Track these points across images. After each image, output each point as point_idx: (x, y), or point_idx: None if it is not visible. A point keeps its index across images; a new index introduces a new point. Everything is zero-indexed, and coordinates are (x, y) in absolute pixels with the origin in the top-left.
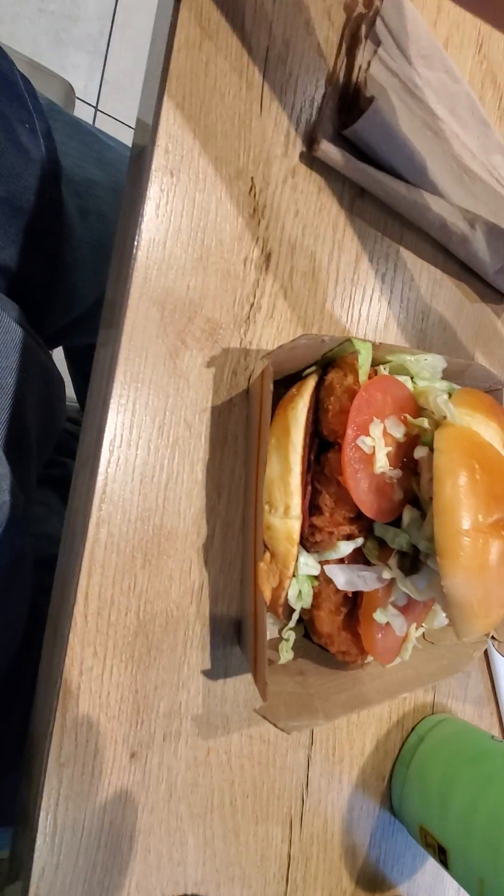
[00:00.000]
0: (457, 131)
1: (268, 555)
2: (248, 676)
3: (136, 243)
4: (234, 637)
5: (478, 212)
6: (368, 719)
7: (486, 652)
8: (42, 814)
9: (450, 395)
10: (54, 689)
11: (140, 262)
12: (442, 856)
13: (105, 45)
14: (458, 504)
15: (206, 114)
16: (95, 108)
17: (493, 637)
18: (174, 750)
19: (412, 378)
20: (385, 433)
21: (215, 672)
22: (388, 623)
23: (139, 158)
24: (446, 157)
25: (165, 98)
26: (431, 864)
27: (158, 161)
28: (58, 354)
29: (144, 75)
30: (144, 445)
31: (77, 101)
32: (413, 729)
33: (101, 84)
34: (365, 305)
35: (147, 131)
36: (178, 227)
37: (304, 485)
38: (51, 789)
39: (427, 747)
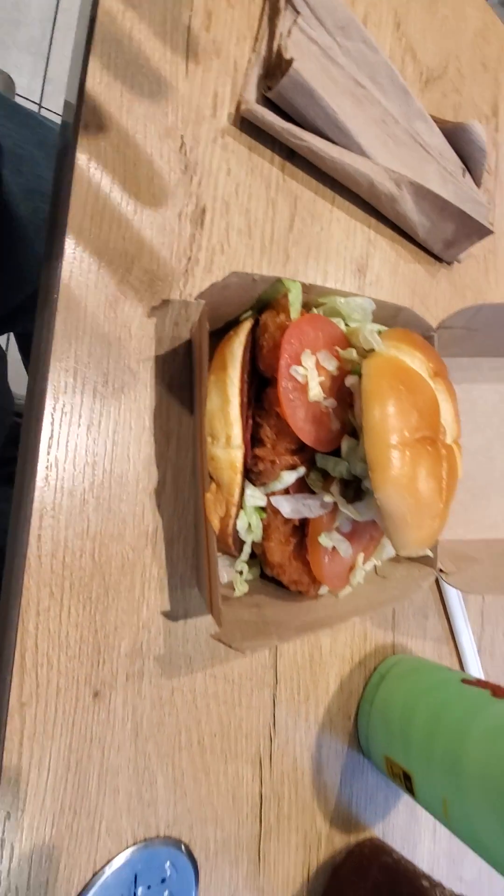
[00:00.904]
0: (378, 97)
1: (213, 485)
2: (209, 619)
3: (69, 192)
4: (191, 579)
5: (403, 173)
6: (331, 659)
7: (441, 594)
8: (6, 755)
9: (379, 333)
10: (12, 630)
11: (74, 211)
12: (407, 783)
13: (47, 45)
14: (386, 421)
15: (133, 75)
16: (39, 104)
17: (440, 570)
18: (138, 689)
19: (344, 320)
20: (318, 365)
21: (175, 613)
22: (334, 548)
23: (70, 119)
24: (370, 121)
25: (91, 59)
26: (405, 805)
27: (87, 117)
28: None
29: (73, 48)
30: (90, 392)
31: (21, 98)
32: (375, 669)
33: (43, 83)
34: (302, 262)
35: (75, 95)
36: (110, 180)
37: (245, 418)
38: (13, 729)
39: (389, 684)
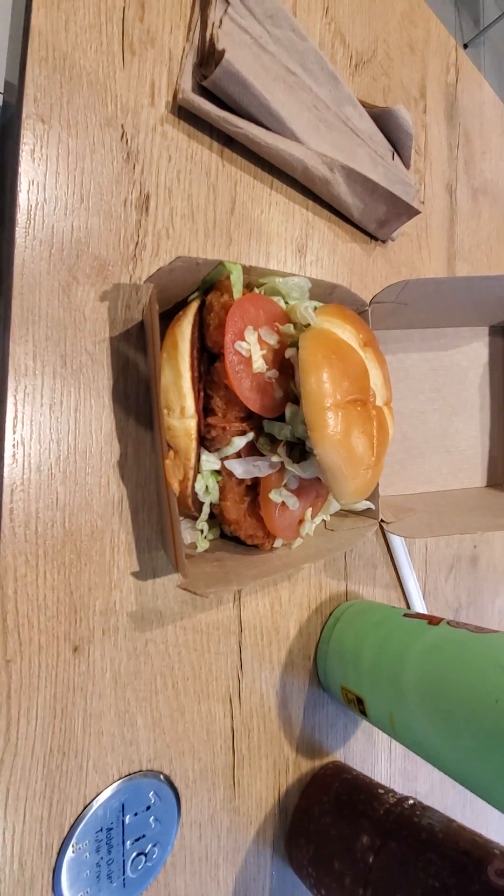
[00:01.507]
0: (309, 84)
1: (171, 452)
2: (176, 576)
3: (16, 185)
4: (157, 542)
5: (335, 157)
6: (290, 608)
7: (387, 545)
8: None
9: (315, 310)
10: None
11: (22, 203)
12: (361, 706)
13: None
14: (321, 386)
15: (71, 67)
16: None
17: (382, 520)
18: (114, 643)
19: (284, 299)
20: (260, 340)
21: (144, 573)
22: (283, 503)
23: (13, 112)
24: (302, 107)
25: (29, 52)
26: (362, 732)
27: (28, 109)
28: None
29: (9, 38)
30: (50, 373)
31: None
32: (331, 614)
33: None
34: (244, 244)
35: (15, 87)
36: (55, 170)
37: (198, 391)
38: (0, 685)
39: (342, 625)
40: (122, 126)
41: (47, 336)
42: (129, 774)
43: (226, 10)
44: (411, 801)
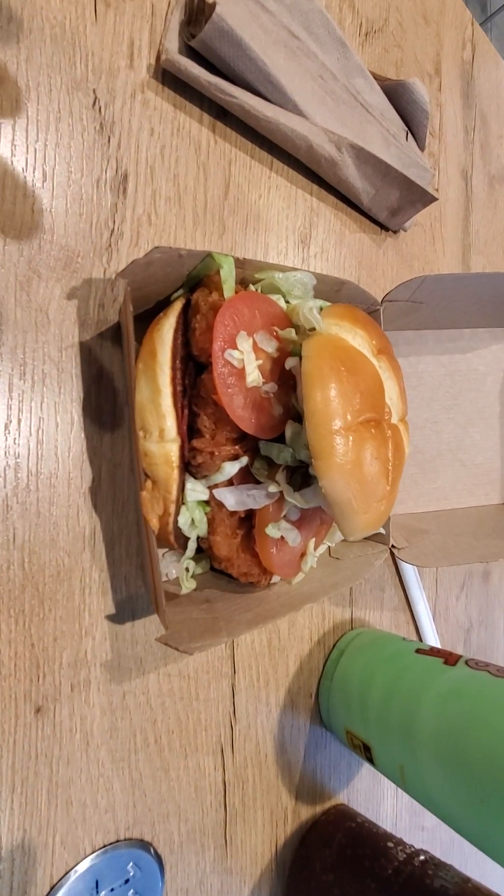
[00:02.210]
0: (315, 50)
1: (149, 483)
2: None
3: None
4: (137, 578)
5: (343, 134)
6: (290, 642)
7: (396, 566)
8: None
9: (321, 310)
10: None
11: None
12: (368, 753)
13: None
14: (328, 406)
15: (30, 17)
16: None
17: (392, 546)
18: (85, 698)
19: (284, 297)
20: (256, 348)
21: (121, 616)
22: (282, 537)
23: None
24: (306, 76)
25: None
26: (367, 770)
27: None
28: None
29: None
30: (4, 388)
31: None
32: (335, 645)
33: None
34: (240, 233)
35: None
36: (10, 142)
37: (181, 408)
38: None
39: (347, 659)
40: (93, 91)
41: (1, 342)
42: (105, 846)
43: None
44: (422, 858)
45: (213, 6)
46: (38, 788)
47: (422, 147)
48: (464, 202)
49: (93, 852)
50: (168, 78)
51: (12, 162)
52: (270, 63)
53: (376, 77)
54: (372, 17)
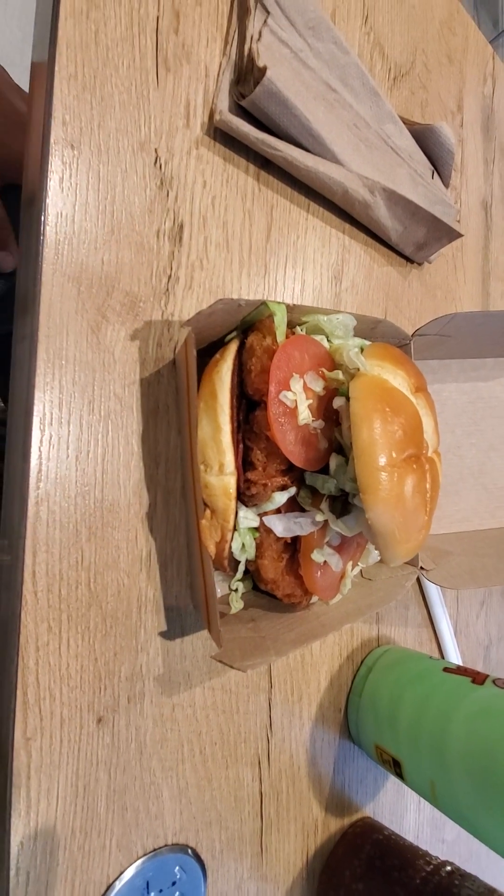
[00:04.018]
0: (350, 101)
1: (208, 512)
2: (205, 633)
3: (42, 219)
4: (186, 598)
5: (376, 179)
6: (321, 658)
7: (419, 585)
8: (14, 790)
9: (362, 350)
10: (12, 668)
11: (49, 237)
12: (397, 769)
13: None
14: (374, 444)
15: (102, 84)
16: None
17: (421, 567)
18: (140, 710)
19: (328, 337)
20: (305, 387)
21: (172, 632)
22: (325, 562)
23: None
24: (342, 127)
25: (57, 67)
26: (392, 784)
27: (57, 133)
28: None
29: (32, 47)
30: (76, 421)
31: None
32: (362, 661)
33: None
34: (280, 272)
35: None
36: (84, 201)
37: (236, 443)
38: (20, 764)
39: (376, 675)
40: (155, 150)
41: (74, 381)
42: (154, 850)
43: (265, 21)
44: (449, 868)
45: (263, 70)
46: (98, 794)
47: (447, 184)
48: (484, 231)
49: (144, 855)
50: (219, 134)
51: (85, 219)
52: (312, 118)
53: (405, 121)
54: (400, 62)
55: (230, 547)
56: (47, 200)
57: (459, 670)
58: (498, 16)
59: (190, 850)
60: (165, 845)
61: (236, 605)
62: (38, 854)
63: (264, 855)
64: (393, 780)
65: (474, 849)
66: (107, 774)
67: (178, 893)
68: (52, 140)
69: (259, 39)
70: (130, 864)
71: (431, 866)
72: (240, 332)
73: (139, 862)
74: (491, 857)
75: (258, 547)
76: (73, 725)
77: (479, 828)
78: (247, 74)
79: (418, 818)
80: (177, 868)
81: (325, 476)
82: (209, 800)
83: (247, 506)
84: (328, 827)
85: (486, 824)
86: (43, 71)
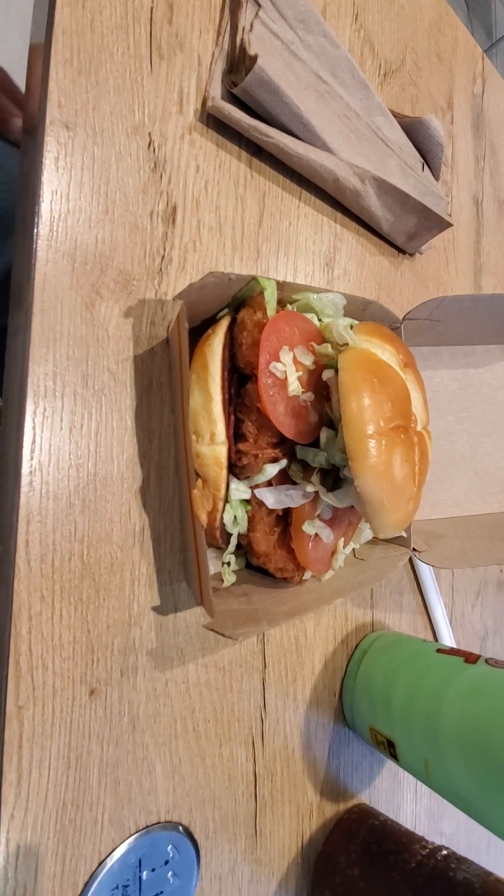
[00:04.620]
0: (340, 93)
1: (200, 482)
2: (198, 610)
3: (38, 195)
4: (180, 574)
5: (366, 168)
6: (315, 641)
7: (414, 571)
8: (5, 759)
9: (351, 327)
10: (4, 636)
11: (44, 214)
12: (391, 749)
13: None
14: (363, 413)
15: (97, 70)
16: None
17: (414, 549)
18: (133, 684)
19: (318, 315)
20: (295, 361)
21: (165, 607)
22: (316, 534)
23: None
24: (333, 116)
25: (53, 52)
26: (388, 772)
27: (52, 114)
28: None
29: (30, 36)
30: (70, 395)
31: None
32: (357, 646)
33: None
34: (272, 258)
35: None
36: (79, 180)
37: (228, 414)
38: (11, 733)
39: (370, 658)
40: (149, 134)
41: (68, 355)
42: (147, 827)
43: (256, 14)
44: (445, 852)
45: (254, 59)
46: (90, 767)
47: (437, 177)
48: (475, 226)
49: (136, 832)
50: (212, 121)
51: (80, 197)
52: (303, 106)
53: (395, 115)
54: (390, 59)
55: (222, 518)
56: (43, 178)
57: (453, 651)
58: (492, 25)
59: (182, 829)
60: (158, 822)
61: (229, 578)
62: (29, 826)
63: (258, 837)
64: (389, 768)
65: (473, 842)
66: (99, 747)
67: (170, 873)
68: (47, 120)
69: (251, 30)
70: (123, 841)
71: (427, 850)
72: (231, 308)
73: (132, 839)
74: (490, 852)
75: (250, 520)
76: (65, 696)
77: (472, 806)
78: (239, 64)
79: (416, 808)
80: (169, 847)
81: (315, 449)
82: (202, 777)
83: (238, 478)
84: (323, 812)
85: (479, 802)
86: (40, 52)
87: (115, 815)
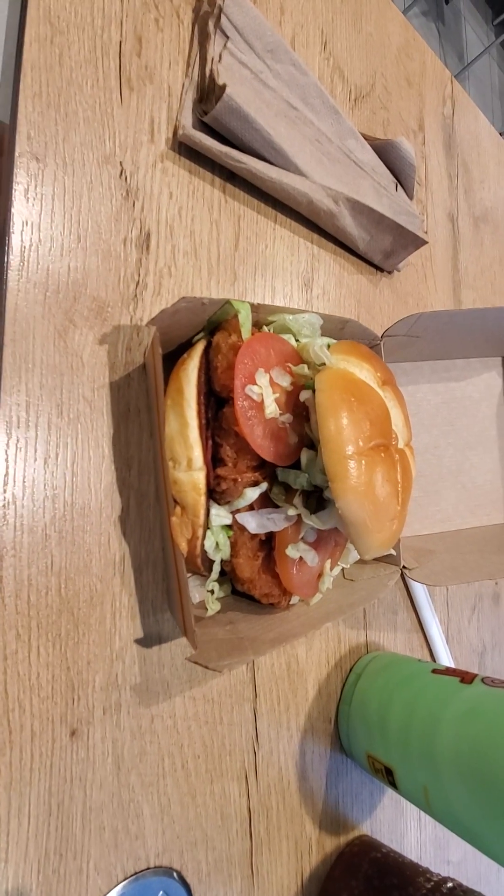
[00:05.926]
0: (311, 118)
1: (178, 508)
2: (184, 640)
3: (9, 227)
4: (163, 603)
5: (339, 189)
6: (308, 666)
7: (407, 588)
8: None
9: (329, 347)
10: None
11: (15, 244)
12: (390, 777)
13: None
14: (341, 433)
15: (66, 102)
16: None
17: (404, 566)
18: (116, 722)
19: (295, 336)
20: (272, 382)
21: (149, 640)
22: (301, 558)
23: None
24: (304, 141)
25: (21, 87)
26: (389, 800)
27: (21, 147)
28: None
29: (0, 73)
30: (44, 424)
31: None
32: (351, 669)
33: None
34: (250, 280)
35: (7, 123)
36: (50, 210)
37: (206, 439)
38: None
39: (364, 682)
40: (120, 163)
41: (42, 384)
42: (136, 873)
43: (225, 45)
44: (450, 884)
45: (223, 88)
46: (73, 813)
47: (410, 196)
48: (452, 242)
49: (125, 879)
50: (184, 149)
51: (51, 227)
52: (273, 132)
53: (366, 137)
54: (360, 84)
55: (202, 545)
56: (12, 209)
57: (448, 671)
58: (463, 49)
59: (175, 874)
60: (148, 868)
61: (213, 606)
62: (10, 878)
63: (255, 878)
64: (390, 796)
65: (483, 870)
66: (82, 791)
67: None
68: (16, 153)
69: (220, 61)
70: (111, 889)
71: (432, 883)
72: (207, 332)
73: (120, 886)
74: (501, 879)
75: (233, 546)
76: (44, 739)
77: (475, 834)
78: (208, 94)
79: (420, 837)
80: (161, 893)
81: (296, 471)
82: (194, 817)
83: (219, 503)
84: (323, 846)
85: (481, 830)
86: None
87: (101, 863)
